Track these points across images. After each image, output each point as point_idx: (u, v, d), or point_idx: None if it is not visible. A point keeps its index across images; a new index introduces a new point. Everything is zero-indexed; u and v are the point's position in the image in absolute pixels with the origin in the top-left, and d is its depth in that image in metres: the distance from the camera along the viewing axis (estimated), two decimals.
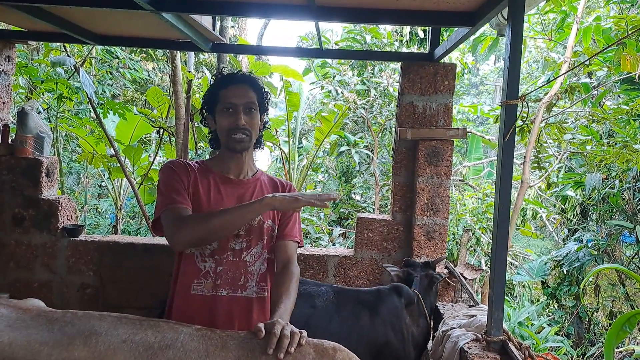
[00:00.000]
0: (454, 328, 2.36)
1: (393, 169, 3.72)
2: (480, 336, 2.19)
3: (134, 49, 9.16)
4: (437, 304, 2.85)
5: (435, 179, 3.53)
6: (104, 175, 7.76)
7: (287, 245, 2.02)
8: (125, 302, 3.45)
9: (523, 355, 2.03)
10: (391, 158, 3.93)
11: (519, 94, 2.09)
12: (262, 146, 2.17)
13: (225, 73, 2.05)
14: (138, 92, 10.51)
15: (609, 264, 6.64)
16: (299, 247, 2.10)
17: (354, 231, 7.24)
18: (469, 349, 2.15)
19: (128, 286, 3.51)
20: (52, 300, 3.51)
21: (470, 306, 2.79)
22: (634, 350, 5.22)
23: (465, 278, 3.26)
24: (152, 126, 5.38)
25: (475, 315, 2.41)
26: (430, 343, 2.82)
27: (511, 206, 7.72)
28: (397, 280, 3.00)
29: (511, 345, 2.06)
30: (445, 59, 3.63)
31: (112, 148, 4.93)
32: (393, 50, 6.97)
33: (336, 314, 2.52)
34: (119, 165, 5.05)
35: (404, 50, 7.19)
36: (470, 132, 9.06)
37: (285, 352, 1.44)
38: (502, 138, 2.11)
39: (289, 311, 1.74)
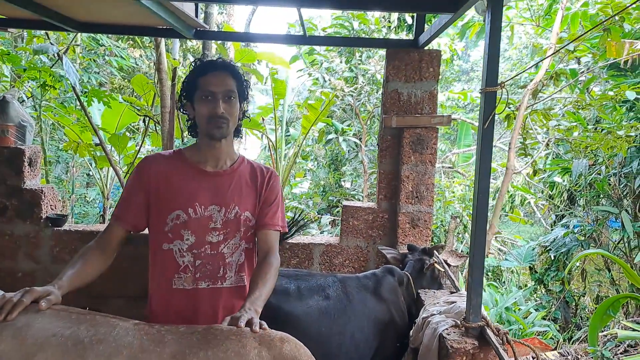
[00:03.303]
0: (433, 314, 2.38)
1: (378, 157, 3.72)
2: (459, 322, 2.21)
3: (121, 36, 9.06)
4: (418, 291, 2.87)
5: (420, 167, 3.53)
6: (90, 165, 7.72)
7: (268, 235, 2.01)
8: (109, 291, 3.44)
9: (500, 341, 2.05)
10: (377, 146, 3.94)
11: (503, 81, 2.09)
12: (241, 135, 2.14)
13: (205, 60, 2.01)
14: (125, 80, 10.40)
15: (595, 249, 6.70)
16: (282, 232, 2.10)
17: None
18: (448, 335, 2.17)
19: (112, 276, 3.46)
20: None
21: (451, 292, 2.81)
22: (617, 334, 5.28)
23: (449, 265, 3.28)
24: (138, 114, 5.32)
25: (455, 302, 2.42)
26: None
27: (496, 193, 7.75)
28: (393, 262, 3.13)
29: (489, 331, 2.08)
30: (434, 45, 3.61)
31: (97, 137, 4.89)
32: (380, 37, 6.94)
33: (348, 301, 2.60)
34: (104, 154, 5.01)
35: (392, 36, 7.15)
36: (460, 119, 9.05)
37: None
38: (482, 125, 2.11)
39: (264, 297, 1.75)
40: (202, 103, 1.91)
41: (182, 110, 2.06)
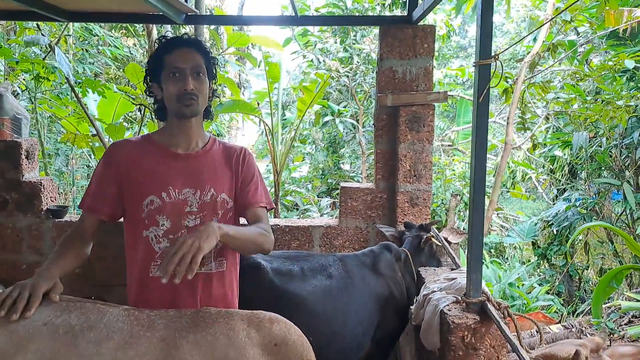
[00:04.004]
0: (434, 291, 2.38)
1: (375, 136, 3.69)
2: (459, 298, 2.21)
3: (113, 25, 8.99)
4: (418, 269, 2.87)
5: (417, 145, 3.51)
6: (90, 156, 7.70)
7: (255, 213, 1.97)
8: (112, 279, 3.45)
9: (502, 315, 2.05)
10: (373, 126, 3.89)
11: (497, 52, 2.05)
12: (212, 116, 2.07)
13: (168, 37, 1.92)
14: (120, 70, 10.34)
15: (598, 221, 6.70)
16: (269, 209, 2.05)
17: None
18: (449, 311, 2.17)
19: (114, 264, 3.50)
20: None
21: (452, 269, 2.81)
22: (620, 305, 5.30)
23: (450, 242, 3.27)
24: (133, 103, 5.29)
25: (456, 278, 2.42)
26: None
27: (496, 169, 7.70)
28: (392, 239, 3.14)
29: (490, 306, 2.07)
30: (430, 21, 3.55)
31: (94, 127, 4.87)
32: (374, 15, 6.86)
33: (350, 279, 2.62)
34: (102, 144, 4.99)
35: (386, 13, 7.07)
36: (459, 96, 8.98)
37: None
38: (477, 99, 2.08)
39: (237, 229, 1.76)
40: (170, 81, 1.83)
41: (148, 92, 1.98)
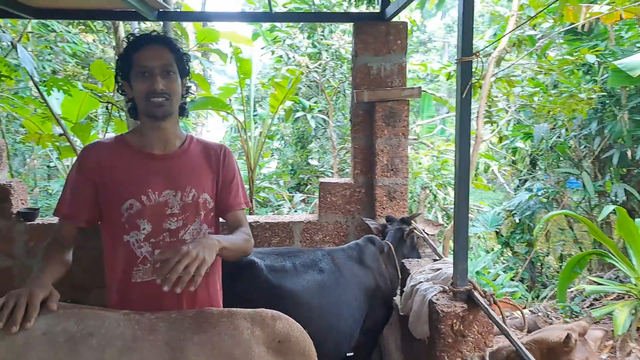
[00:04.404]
0: (421, 282, 2.44)
1: (352, 132, 3.74)
2: (447, 288, 2.28)
3: (71, 21, 8.72)
4: (402, 261, 2.94)
5: (393, 140, 3.58)
6: (52, 155, 7.48)
7: (236, 216, 1.96)
8: (91, 282, 3.39)
9: (488, 302, 2.13)
10: (346, 121, 3.94)
11: (478, 50, 2.12)
12: (186, 114, 2.01)
13: (137, 34, 1.84)
14: (79, 67, 10.05)
15: (559, 210, 6.96)
16: (246, 207, 2.04)
17: (314, 196, 7.26)
18: (437, 300, 2.24)
19: (92, 266, 3.42)
20: (14, 286, 3.41)
21: (434, 260, 2.89)
22: (584, 289, 5.54)
23: (427, 234, 3.36)
24: (100, 101, 5.16)
25: (441, 269, 2.49)
26: (398, 297, 2.93)
27: None
28: (375, 232, 3.21)
29: (476, 294, 2.15)
30: (395, 18, 3.62)
31: (59, 126, 4.74)
32: (342, 11, 6.90)
33: (339, 273, 2.67)
34: (68, 144, 4.86)
35: (353, 10, 7.12)
36: (422, 91, 9.14)
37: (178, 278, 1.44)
38: (460, 95, 2.15)
39: (230, 239, 1.74)
40: (138, 80, 1.76)
41: (119, 90, 1.91)
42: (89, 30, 9.28)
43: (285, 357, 1.55)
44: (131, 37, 1.84)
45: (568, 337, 1.52)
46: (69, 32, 8.13)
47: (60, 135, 4.89)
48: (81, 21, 8.92)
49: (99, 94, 5.14)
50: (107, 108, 5.17)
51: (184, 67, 1.88)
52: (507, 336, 1.80)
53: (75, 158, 6.06)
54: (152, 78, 1.75)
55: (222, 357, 1.46)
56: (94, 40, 9.80)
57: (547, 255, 8.59)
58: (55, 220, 3.57)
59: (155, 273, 1.60)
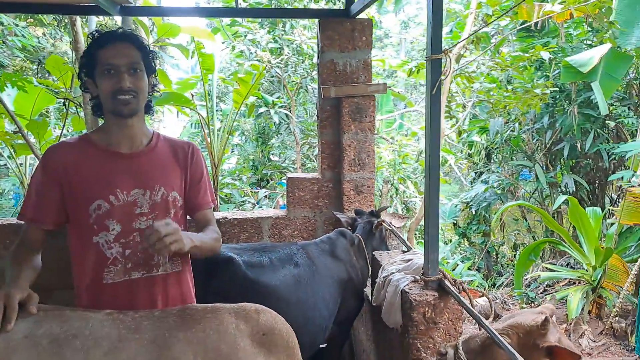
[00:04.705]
0: (393, 273, 2.51)
1: (319, 127, 3.78)
2: (418, 277, 2.36)
3: (19, 14, 8.40)
4: (373, 253, 3.01)
5: (360, 135, 3.64)
6: (2, 154, 7.21)
7: (204, 215, 1.98)
8: (56, 282, 3.29)
9: (458, 290, 2.22)
10: (307, 116, 3.97)
11: (447, 48, 2.20)
12: (152, 111, 2.01)
13: (102, 31, 1.81)
14: (28, 61, 9.70)
15: (513, 201, 7.23)
16: (213, 205, 2.06)
17: (276, 192, 7.26)
18: (409, 290, 2.31)
19: (56, 266, 3.33)
20: None
21: (404, 251, 2.97)
22: (539, 275, 5.79)
23: (395, 226, 3.45)
24: (56, 97, 5.01)
25: (412, 259, 2.57)
26: (368, 289, 3.01)
27: (419, 155, 8.04)
28: (345, 225, 3.27)
29: (447, 282, 2.24)
30: (361, 15, 3.68)
31: (14, 124, 4.58)
32: (303, 7, 6.92)
33: (314, 266, 2.73)
34: (24, 142, 4.71)
35: (313, 6, 7.16)
36: None
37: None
38: (430, 92, 2.22)
39: (201, 237, 1.81)
40: (104, 78, 1.73)
41: (83, 87, 1.86)
42: (38, 23, 8.95)
43: (269, 350, 1.58)
44: (96, 34, 1.80)
45: (546, 320, 1.60)
46: (17, 26, 7.83)
47: (15, 132, 4.73)
48: (30, 14, 8.61)
49: (56, 90, 4.99)
50: (64, 105, 5.02)
51: (150, 65, 1.86)
52: (478, 321, 1.89)
53: (31, 156, 5.89)
54: (119, 76, 1.72)
55: (208, 352, 1.47)
56: (43, 34, 9.46)
57: (502, 245, 8.91)
58: (13, 221, 3.47)
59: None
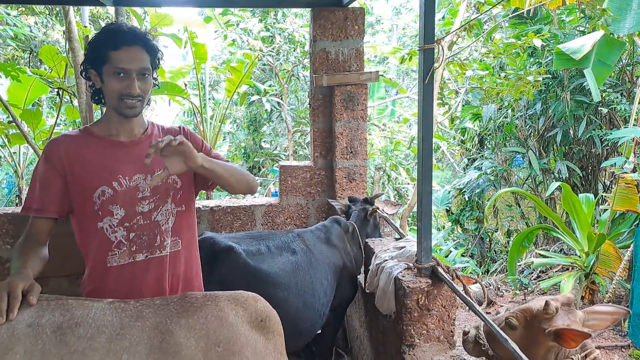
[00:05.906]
0: (386, 260, 2.54)
1: (311, 115, 3.79)
2: (411, 265, 2.39)
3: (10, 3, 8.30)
4: (366, 240, 3.04)
5: (352, 123, 3.66)
6: None
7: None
8: (50, 271, 3.29)
9: (451, 277, 2.26)
10: (298, 103, 3.96)
11: (440, 38, 2.20)
12: (149, 102, 2.02)
13: (115, 28, 1.83)
14: (20, 50, 9.61)
15: (507, 187, 7.28)
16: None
17: (268, 179, 7.27)
18: (403, 277, 2.34)
19: (51, 255, 3.36)
20: None
21: (397, 239, 2.99)
22: (532, 262, 5.85)
23: (387, 214, 3.47)
24: (50, 87, 4.99)
25: (405, 247, 2.60)
26: (362, 276, 3.04)
27: (411, 142, 8.06)
28: (340, 213, 3.31)
29: (440, 269, 2.27)
30: (353, 3, 3.68)
31: (8, 113, 4.55)
32: None
33: (311, 253, 2.76)
34: (18, 131, 4.69)
35: None
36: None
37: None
38: (422, 81, 2.24)
39: (217, 161, 1.85)
40: (113, 79, 1.78)
41: (84, 74, 1.90)
42: (30, 12, 8.86)
43: (266, 336, 1.62)
44: (107, 30, 1.82)
45: (547, 303, 1.66)
46: (9, 15, 7.75)
47: (10, 122, 4.71)
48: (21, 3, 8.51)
49: (49, 80, 4.96)
50: (57, 94, 5.00)
51: (156, 65, 1.91)
52: (471, 307, 1.92)
53: (25, 145, 5.86)
54: (129, 81, 1.77)
55: (210, 338, 1.50)
56: (35, 23, 9.37)
57: (496, 231, 8.96)
58: (9, 210, 3.47)
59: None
